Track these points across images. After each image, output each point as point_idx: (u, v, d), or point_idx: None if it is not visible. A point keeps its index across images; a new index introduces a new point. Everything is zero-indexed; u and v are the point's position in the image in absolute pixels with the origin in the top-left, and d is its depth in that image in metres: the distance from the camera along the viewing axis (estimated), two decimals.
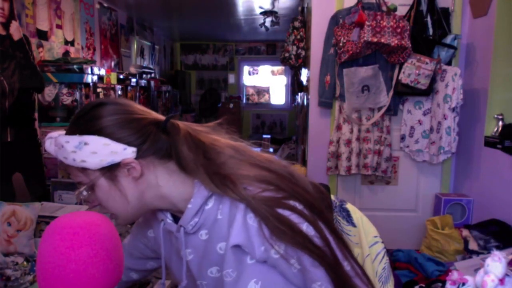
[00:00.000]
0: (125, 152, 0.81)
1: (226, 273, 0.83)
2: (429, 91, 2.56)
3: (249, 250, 0.81)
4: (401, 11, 2.61)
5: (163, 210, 0.91)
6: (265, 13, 4.79)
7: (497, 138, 2.24)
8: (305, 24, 3.34)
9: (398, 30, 2.44)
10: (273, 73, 8.65)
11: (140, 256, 1.07)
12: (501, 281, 1.01)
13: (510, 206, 2.12)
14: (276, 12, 4.76)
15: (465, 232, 2.20)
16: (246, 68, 8.54)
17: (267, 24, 4.88)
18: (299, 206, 0.81)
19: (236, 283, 0.83)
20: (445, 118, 2.50)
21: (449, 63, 2.63)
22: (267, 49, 8.13)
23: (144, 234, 1.04)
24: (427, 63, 2.47)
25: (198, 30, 6.72)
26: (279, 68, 8.41)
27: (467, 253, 2.11)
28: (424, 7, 2.56)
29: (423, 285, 1.83)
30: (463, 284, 1.14)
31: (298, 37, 3.30)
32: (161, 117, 0.87)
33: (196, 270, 0.90)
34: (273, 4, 4.47)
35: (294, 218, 0.79)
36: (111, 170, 0.82)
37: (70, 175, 0.88)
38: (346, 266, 0.80)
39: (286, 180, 0.85)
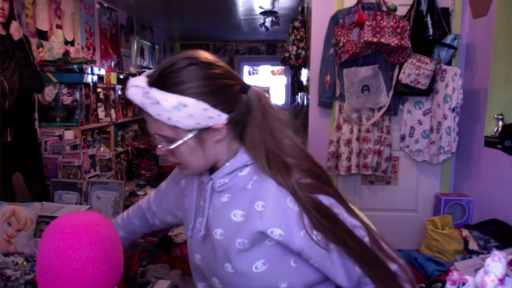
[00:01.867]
0: (219, 118, 0.85)
1: (241, 241, 0.87)
2: (429, 91, 2.55)
3: (286, 234, 0.84)
4: (401, 11, 2.60)
5: None
6: (265, 13, 4.79)
7: (497, 138, 2.24)
8: (305, 24, 3.34)
9: (398, 30, 2.44)
10: (273, 73, 8.65)
11: (166, 206, 1.15)
12: (501, 281, 1.01)
13: (510, 206, 2.12)
14: (276, 12, 4.76)
15: (465, 232, 2.20)
16: (246, 68, 8.54)
17: (267, 24, 4.87)
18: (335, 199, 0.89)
19: (244, 254, 0.87)
20: (445, 118, 2.50)
21: (449, 63, 2.63)
22: (267, 49, 8.13)
23: (177, 183, 1.10)
24: (427, 63, 2.47)
25: (198, 30, 6.72)
26: (279, 68, 8.40)
27: (467, 253, 2.11)
28: (424, 7, 2.56)
29: (423, 285, 1.83)
30: (463, 284, 1.14)
31: (298, 37, 3.30)
32: (246, 84, 0.90)
33: (210, 226, 0.94)
34: (273, 4, 4.47)
35: (334, 207, 0.86)
36: (201, 132, 0.86)
37: (148, 126, 0.88)
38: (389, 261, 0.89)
39: (326, 177, 0.92)
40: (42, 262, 0.69)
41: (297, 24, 3.35)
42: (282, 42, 4.73)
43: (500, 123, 2.29)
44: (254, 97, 0.89)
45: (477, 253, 2.05)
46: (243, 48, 8.19)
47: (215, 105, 0.83)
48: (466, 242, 2.15)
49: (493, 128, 2.34)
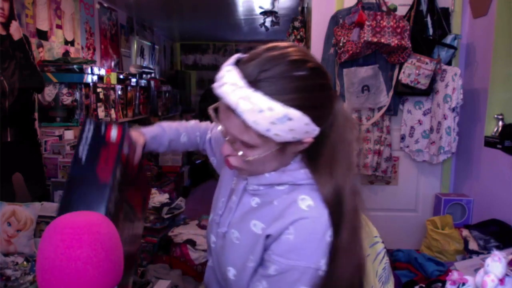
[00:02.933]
0: (313, 132, 0.77)
1: (252, 259, 0.84)
2: (429, 91, 2.55)
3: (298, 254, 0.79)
4: (401, 11, 2.60)
5: None
6: (265, 13, 4.79)
7: (497, 138, 2.24)
8: (305, 24, 3.34)
9: (398, 30, 2.44)
10: None
11: (198, 142, 1.19)
12: (501, 281, 1.01)
13: (510, 206, 2.12)
14: (276, 12, 4.76)
15: (465, 232, 2.20)
16: None
17: (267, 24, 4.87)
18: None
19: (254, 270, 0.84)
20: (445, 118, 2.50)
21: (449, 63, 2.63)
22: None
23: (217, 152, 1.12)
24: (427, 63, 2.47)
25: (198, 30, 6.72)
26: None
27: (467, 253, 2.11)
28: (424, 7, 2.56)
29: (423, 285, 1.83)
30: (463, 284, 1.14)
31: (298, 37, 3.30)
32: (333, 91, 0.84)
33: (232, 223, 0.91)
34: (273, 4, 4.47)
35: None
36: (287, 144, 0.77)
37: (226, 126, 0.77)
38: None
39: None
40: (42, 262, 0.69)
41: (297, 24, 3.35)
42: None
43: (500, 123, 2.29)
44: (340, 108, 0.80)
45: (477, 253, 2.05)
46: (243, 48, 8.19)
47: (315, 119, 0.74)
48: (466, 242, 2.15)
49: (493, 128, 2.34)
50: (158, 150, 1.17)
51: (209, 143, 1.18)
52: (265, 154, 0.77)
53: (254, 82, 0.71)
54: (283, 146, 0.77)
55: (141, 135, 1.10)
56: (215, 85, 0.75)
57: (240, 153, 0.79)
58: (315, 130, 0.76)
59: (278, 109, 0.70)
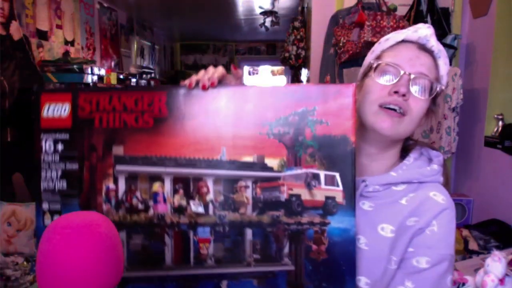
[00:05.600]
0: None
1: (392, 259, 0.83)
2: None
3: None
4: (401, 11, 2.60)
5: None
6: (265, 13, 4.79)
7: (497, 138, 2.24)
8: (305, 24, 3.34)
9: (398, 30, 2.44)
10: (273, 73, 8.65)
11: None
12: (501, 281, 1.01)
13: (510, 206, 2.12)
14: (276, 12, 4.76)
15: (465, 232, 2.20)
16: (246, 68, 8.55)
17: (267, 24, 4.88)
18: None
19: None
20: (445, 118, 2.50)
21: (449, 63, 2.63)
22: (267, 49, 8.14)
23: None
24: None
25: (198, 30, 6.73)
26: (279, 68, 8.41)
27: (467, 253, 2.11)
28: (424, 7, 2.56)
29: None
30: (463, 284, 1.14)
31: (298, 37, 3.30)
32: None
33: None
34: (273, 4, 4.48)
35: None
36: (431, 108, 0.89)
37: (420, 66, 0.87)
38: None
39: None
40: (42, 262, 0.69)
41: (297, 24, 3.36)
42: (282, 42, 4.73)
43: (500, 123, 2.29)
44: None
45: (477, 253, 2.05)
46: (243, 48, 8.19)
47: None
48: (466, 242, 2.15)
49: (493, 128, 2.34)
50: None
51: None
52: (425, 109, 0.86)
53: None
54: (428, 110, 0.87)
55: None
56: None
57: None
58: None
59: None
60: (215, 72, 0.81)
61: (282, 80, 8.45)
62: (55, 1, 3.21)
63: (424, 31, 0.88)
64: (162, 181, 0.80)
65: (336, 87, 0.79)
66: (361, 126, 0.87)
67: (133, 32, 5.32)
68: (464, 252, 2.14)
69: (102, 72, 3.29)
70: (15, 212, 1.67)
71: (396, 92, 0.83)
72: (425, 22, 2.56)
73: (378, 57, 0.90)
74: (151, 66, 6.00)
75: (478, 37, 2.53)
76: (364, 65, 0.94)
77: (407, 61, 0.85)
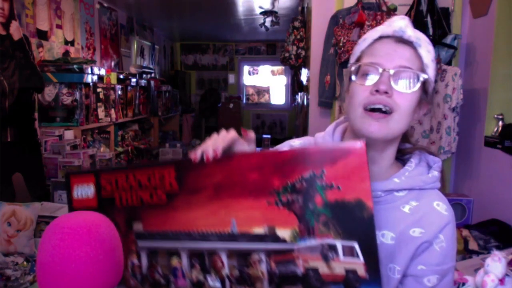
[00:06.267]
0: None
1: (392, 267, 0.83)
2: None
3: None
4: (401, 11, 2.60)
5: None
6: (265, 13, 4.79)
7: (497, 138, 2.24)
8: (305, 24, 3.34)
9: None
10: (273, 73, 8.65)
11: None
12: (501, 281, 1.01)
13: (510, 206, 2.12)
14: (276, 12, 4.77)
15: (465, 232, 2.20)
16: (246, 68, 8.55)
17: (267, 24, 4.88)
18: None
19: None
20: (445, 118, 2.50)
21: (449, 63, 2.63)
22: (267, 49, 8.14)
23: None
24: None
25: (198, 30, 6.73)
26: (279, 68, 8.41)
27: (467, 253, 2.11)
28: (424, 7, 2.56)
29: None
30: (463, 284, 1.14)
31: (298, 37, 3.30)
32: None
33: None
34: (273, 4, 4.48)
35: None
36: (422, 95, 0.88)
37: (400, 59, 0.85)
38: None
39: None
40: (42, 262, 0.69)
41: (297, 24, 3.35)
42: (282, 42, 4.73)
43: (500, 123, 2.29)
44: None
45: (477, 253, 2.05)
46: (243, 48, 8.19)
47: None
48: (466, 242, 2.14)
49: (493, 128, 2.34)
50: None
51: None
52: (414, 102, 0.85)
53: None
54: (421, 95, 0.86)
55: None
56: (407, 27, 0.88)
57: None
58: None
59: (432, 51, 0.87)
60: (222, 140, 0.77)
61: (282, 80, 8.45)
62: (55, 1, 3.21)
63: (398, 23, 0.86)
64: (179, 255, 0.80)
65: (343, 146, 0.72)
66: (356, 131, 0.86)
67: (133, 32, 5.33)
68: (464, 252, 2.14)
69: (102, 72, 3.29)
70: (15, 212, 1.67)
71: (377, 91, 0.81)
72: (425, 22, 2.56)
73: (358, 59, 0.90)
74: (151, 66, 6.00)
75: (478, 37, 2.53)
76: (348, 69, 0.93)
77: (385, 57, 0.84)
